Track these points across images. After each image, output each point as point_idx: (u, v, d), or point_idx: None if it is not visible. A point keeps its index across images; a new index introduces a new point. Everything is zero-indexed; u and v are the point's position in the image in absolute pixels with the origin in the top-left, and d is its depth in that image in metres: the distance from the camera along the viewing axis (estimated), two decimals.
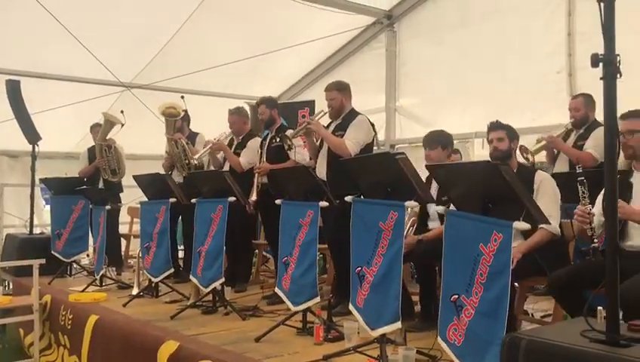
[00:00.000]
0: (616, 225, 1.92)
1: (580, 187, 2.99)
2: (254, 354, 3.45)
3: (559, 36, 6.21)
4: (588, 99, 4.77)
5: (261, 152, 5.39)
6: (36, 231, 7.38)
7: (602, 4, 1.85)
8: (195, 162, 5.95)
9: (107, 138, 6.74)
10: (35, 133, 6.81)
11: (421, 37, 7.70)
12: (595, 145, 4.53)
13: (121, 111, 6.56)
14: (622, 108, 3.16)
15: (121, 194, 6.87)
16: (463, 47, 7.06)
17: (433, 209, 4.13)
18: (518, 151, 4.27)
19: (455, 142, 4.82)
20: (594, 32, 1.87)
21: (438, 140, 4.39)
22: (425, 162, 4.13)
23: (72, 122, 7.91)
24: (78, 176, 6.83)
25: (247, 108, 6.40)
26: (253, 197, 5.21)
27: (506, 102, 6.38)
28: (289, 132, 4.95)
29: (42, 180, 6.86)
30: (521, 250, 3.23)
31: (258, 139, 5.66)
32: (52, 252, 6.26)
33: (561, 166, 4.85)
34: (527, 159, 4.94)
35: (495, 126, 3.85)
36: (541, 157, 5.24)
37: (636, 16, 5.02)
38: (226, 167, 5.68)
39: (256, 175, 5.27)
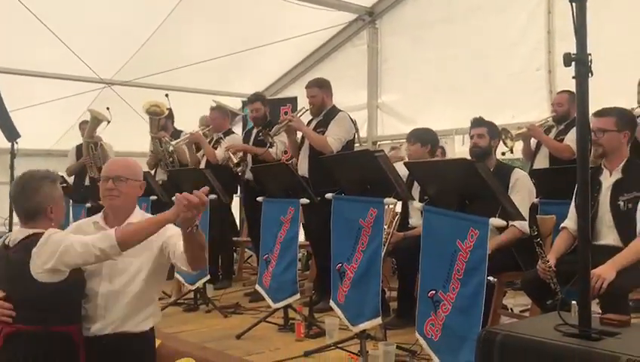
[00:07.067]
0: (588, 220, 1.95)
1: (537, 248, 2.94)
2: (236, 351, 3.46)
3: (539, 34, 6.27)
4: (573, 96, 4.78)
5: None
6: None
7: (574, 4, 1.87)
8: (171, 148, 5.91)
9: (94, 135, 6.63)
10: (14, 131, 6.69)
11: (403, 34, 7.71)
12: (574, 138, 4.54)
13: (107, 108, 6.43)
14: (598, 105, 3.22)
15: None
16: (444, 44, 7.08)
17: (414, 205, 4.16)
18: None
19: None
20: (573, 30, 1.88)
21: (417, 136, 4.44)
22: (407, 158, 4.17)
23: (52, 119, 7.81)
24: (65, 173, 6.74)
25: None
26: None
27: (487, 99, 6.42)
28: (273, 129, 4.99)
29: None
30: (491, 247, 3.20)
31: (237, 136, 5.75)
32: None
33: (541, 162, 4.89)
34: (505, 143, 4.91)
35: (477, 122, 3.87)
36: (519, 153, 5.29)
37: (609, 13, 5.11)
38: (203, 165, 5.69)
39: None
